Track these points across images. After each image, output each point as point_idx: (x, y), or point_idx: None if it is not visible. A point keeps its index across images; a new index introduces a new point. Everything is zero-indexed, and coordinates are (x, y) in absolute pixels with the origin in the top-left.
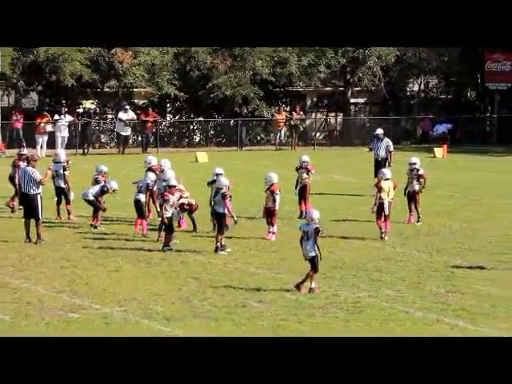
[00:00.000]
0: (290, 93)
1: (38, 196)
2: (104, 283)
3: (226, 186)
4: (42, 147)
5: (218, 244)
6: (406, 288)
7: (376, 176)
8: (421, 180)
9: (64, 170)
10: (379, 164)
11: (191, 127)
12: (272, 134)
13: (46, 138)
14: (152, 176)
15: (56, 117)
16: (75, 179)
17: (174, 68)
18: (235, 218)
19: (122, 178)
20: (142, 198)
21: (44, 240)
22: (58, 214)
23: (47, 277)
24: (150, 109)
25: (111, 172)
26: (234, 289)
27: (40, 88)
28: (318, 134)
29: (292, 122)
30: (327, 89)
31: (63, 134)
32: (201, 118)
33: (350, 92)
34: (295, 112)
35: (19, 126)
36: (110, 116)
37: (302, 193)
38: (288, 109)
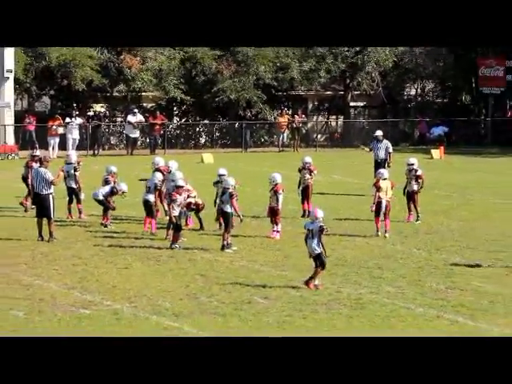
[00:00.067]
0: (292, 97)
1: (50, 196)
2: (114, 280)
3: (233, 186)
4: (53, 149)
5: (225, 242)
6: (406, 285)
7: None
8: (419, 180)
9: (75, 170)
10: (379, 165)
11: (197, 130)
12: (275, 136)
13: (57, 139)
14: (159, 176)
15: (67, 120)
16: (86, 180)
17: (181, 73)
18: (241, 217)
19: (132, 178)
20: (151, 198)
21: (56, 238)
22: (70, 213)
23: (59, 274)
24: (158, 112)
25: (120, 173)
26: (240, 286)
27: (52, 92)
28: (319, 136)
29: (294, 125)
30: (328, 93)
31: (74, 136)
32: (206, 121)
33: (349, 96)
34: (297, 115)
35: (32, 128)
36: (119, 119)
37: (305, 193)
38: (290, 112)
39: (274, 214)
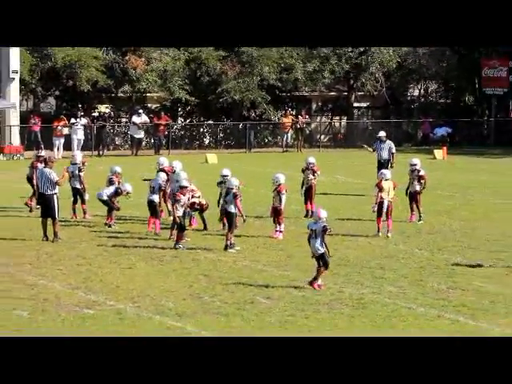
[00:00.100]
0: (296, 97)
1: (55, 196)
2: (118, 280)
3: (237, 186)
4: (58, 149)
5: (228, 242)
6: (408, 285)
7: None
8: (421, 181)
9: (79, 171)
10: (382, 165)
11: (201, 130)
12: (279, 137)
13: (62, 140)
14: (163, 176)
15: (72, 120)
16: (90, 180)
17: (185, 74)
18: (244, 217)
19: (137, 179)
20: (156, 198)
21: (60, 238)
22: (74, 213)
23: (63, 274)
24: (163, 113)
25: (125, 173)
26: (243, 285)
27: (57, 93)
28: (322, 137)
29: (298, 125)
30: (331, 94)
31: (79, 136)
32: (211, 122)
33: (353, 97)
34: (301, 116)
35: (37, 129)
36: (123, 119)
37: (308, 193)
38: (294, 113)
39: (276, 214)
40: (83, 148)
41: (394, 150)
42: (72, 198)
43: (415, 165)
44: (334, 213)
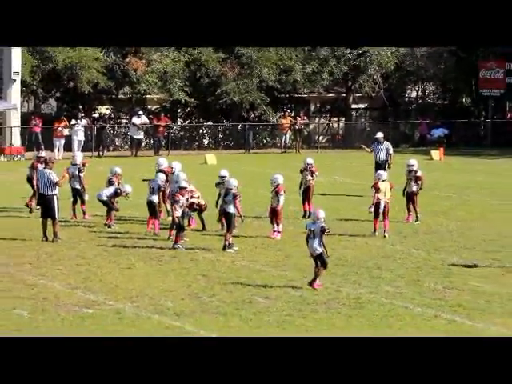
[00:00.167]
0: (295, 99)
1: (55, 197)
2: (117, 280)
3: (236, 187)
4: (59, 150)
5: (227, 242)
6: (405, 285)
7: None
8: (418, 181)
9: (79, 171)
10: (379, 166)
11: (201, 131)
12: (277, 138)
13: (63, 141)
14: (162, 177)
15: (73, 121)
16: (90, 180)
17: (185, 75)
18: (242, 218)
19: (136, 179)
20: (155, 199)
21: (60, 238)
22: (74, 213)
23: (63, 274)
24: (162, 114)
25: (125, 174)
26: (241, 285)
27: (58, 94)
28: (321, 138)
29: (296, 127)
30: (330, 95)
31: (79, 137)
32: (210, 123)
33: (351, 98)
34: (299, 117)
35: (38, 130)
36: (123, 121)
37: (306, 193)
38: (293, 114)
39: (274, 214)
40: (83, 149)
41: (391, 151)
42: (72, 199)
43: (412, 165)
44: (332, 213)
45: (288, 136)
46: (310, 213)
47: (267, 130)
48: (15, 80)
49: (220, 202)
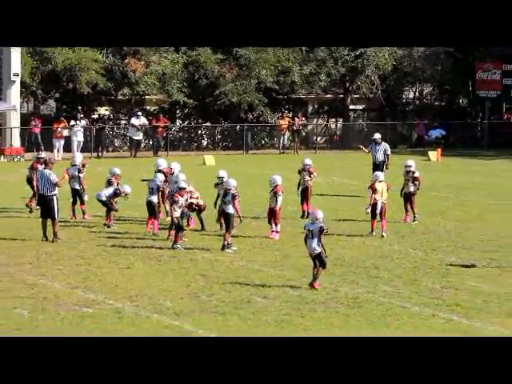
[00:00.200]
0: (293, 100)
1: (55, 197)
2: (117, 279)
3: (235, 187)
4: (58, 151)
5: (225, 242)
6: (402, 284)
7: None
8: (416, 182)
9: (79, 172)
10: (377, 167)
11: (199, 132)
12: (276, 139)
13: (62, 142)
14: (161, 177)
15: (72, 122)
16: (90, 181)
17: (184, 77)
18: (241, 218)
19: (136, 180)
20: (154, 199)
21: (60, 239)
22: (74, 214)
23: (63, 273)
24: (161, 115)
25: (124, 174)
26: (239, 285)
27: (57, 95)
28: (319, 139)
29: (295, 127)
30: (328, 96)
31: (79, 138)
32: (208, 124)
33: (349, 99)
34: (297, 118)
35: (37, 131)
36: (123, 121)
37: (304, 194)
38: (291, 115)
39: (273, 215)
40: (83, 150)
41: (389, 152)
42: (71, 199)
43: (410, 166)
44: (330, 213)
45: (286, 137)
46: (308, 213)
47: (265, 131)
48: (15, 81)
49: (219, 202)
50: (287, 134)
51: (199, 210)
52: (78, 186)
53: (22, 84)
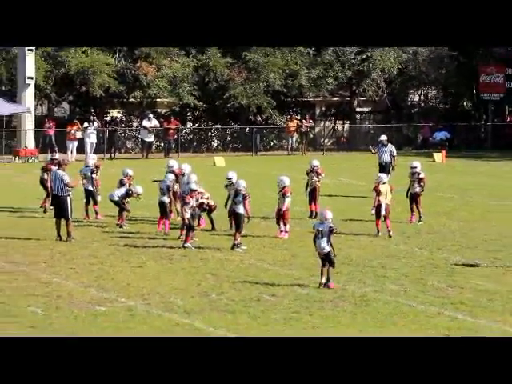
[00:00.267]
0: (301, 102)
1: (68, 197)
2: (129, 278)
3: (245, 188)
4: (72, 152)
5: (235, 242)
6: (409, 283)
7: None
8: (421, 183)
9: (92, 173)
10: (384, 168)
11: (209, 134)
12: (284, 141)
13: (75, 143)
14: (171, 177)
15: (85, 124)
16: (103, 182)
17: (194, 80)
18: (249, 218)
19: (147, 181)
20: (166, 199)
21: (74, 238)
22: (87, 214)
23: (76, 272)
24: (172, 117)
25: (136, 175)
26: (249, 284)
27: (71, 98)
28: (326, 141)
29: (302, 130)
30: (335, 99)
31: (92, 140)
32: (218, 126)
33: (355, 102)
34: (305, 120)
35: (51, 133)
36: (134, 124)
37: (312, 194)
38: (299, 117)
39: (281, 215)
40: (95, 151)
41: (394, 153)
42: (85, 200)
43: (415, 167)
44: (338, 214)
45: (294, 139)
46: (316, 213)
47: (274, 133)
48: (29, 84)
49: (229, 202)
50: (295, 135)
51: (210, 210)
52: (90, 187)
53: (37, 87)
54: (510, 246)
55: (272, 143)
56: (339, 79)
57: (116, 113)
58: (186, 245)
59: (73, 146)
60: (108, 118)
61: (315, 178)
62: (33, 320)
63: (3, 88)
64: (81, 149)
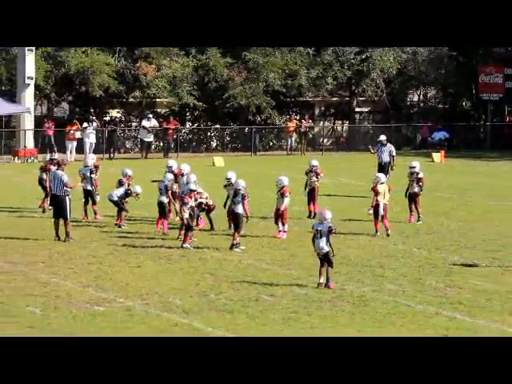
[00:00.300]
0: (300, 102)
1: (67, 197)
2: (127, 278)
3: (244, 188)
4: (71, 152)
5: (234, 242)
6: (407, 283)
7: None
8: (420, 183)
9: (91, 173)
10: (383, 168)
11: (209, 134)
12: (283, 141)
13: (75, 143)
14: (169, 176)
15: (85, 124)
16: (102, 182)
17: (194, 80)
18: (248, 217)
19: (146, 181)
20: (165, 199)
21: (72, 238)
22: (86, 214)
23: (75, 272)
24: (171, 117)
25: (135, 175)
26: (247, 284)
27: (70, 98)
28: (325, 140)
29: (302, 130)
30: (334, 99)
31: (91, 140)
32: (218, 126)
33: (355, 102)
34: (304, 120)
35: (51, 133)
36: (134, 124)
37: (311, 194)
38: (298, 117)
39: (280, 215)
40: (95, 151)
41: (394, 153)
42: (83, 200)
43: (414, 167)
44: (337, 214)
45: (293, 139)
46: (314, 213)
47: (273, 133)
48: (29, 84)
49: (229, 202)
50: (294, 135)
51: (208, 209)
52: (89, 187)
53: (36, 87)
54: (509, 245)
55: (271, 143)
56: (338, 79)
57: (115, 113)
58: (184, 245)
59: (72, 145)
60: (107, 118)
61: (314, 178)
62: (31, 320)
63: (3, 88)
64: (80, 149)
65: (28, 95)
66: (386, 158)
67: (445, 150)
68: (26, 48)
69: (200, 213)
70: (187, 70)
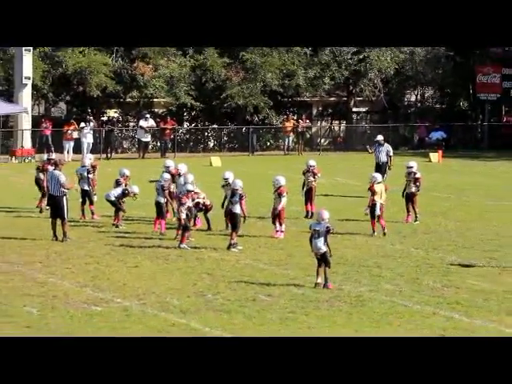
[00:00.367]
0: (298, 102)
1: (64, 197)
2: (125, 278)
3: (241, 187)
4: (68, 152)
5: (232, 242)
6: (404, 283)
7: None
8: (417, 183)
9: (88, 173)
10: (380, 167)
11: (206, 134)
12: (280, 141)
13: (72, 143)
14: (166, 176)
15: (82, 124)
16: (99, 182)
17: (191, 80)
18: (245, 217)
19: (144, 181)
20: (162, 199)
21: (69, 238)
22: (83, 214)
23: (72, 272)
24: (169, 117)
25: (132, 175)
26: (244, 283)
27: (68, 98)
28: (323, 140)
29: (299, 130)
30: (331, 99)
31: (88, 140)
32: (215, 126)
33: (352, 102)
34: (302, 120)
35: (48, 132)
36: (131, 124)
37: (309, 194)
38: (295, 117)
39: (277, 215)
40: (92, 151)
41: (391, 153)
42: (81, 200)
43: (412, 167)
44: (334, 214)
45: (291, 139)
46: (312, 213)
47: (271, 133)
48: (26, 84)
49: (226, 202)
50: (292, 135)
51: (206, 209)
52: (87, 187)
53: (34, 87)
54: (506, 245)
55: (268, 143)
56: (336, 79)
57: (113, 113)
58: (181, 246)
59: (69, 146)
60: (105, 118)
61: (311, 178)
62: (28, 320)
63: (0, 88)
64: (77, 149)
65: (25, 95)
66: (383, 157)
67: (442, 150)
68: (24, 48)
69: (197, 213)
70: (184, 70)
